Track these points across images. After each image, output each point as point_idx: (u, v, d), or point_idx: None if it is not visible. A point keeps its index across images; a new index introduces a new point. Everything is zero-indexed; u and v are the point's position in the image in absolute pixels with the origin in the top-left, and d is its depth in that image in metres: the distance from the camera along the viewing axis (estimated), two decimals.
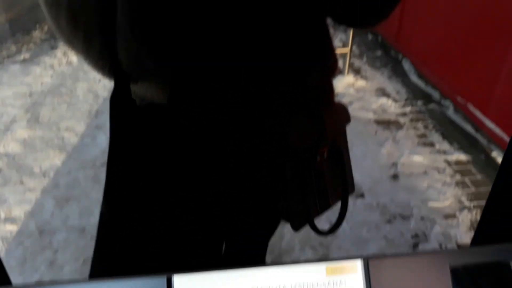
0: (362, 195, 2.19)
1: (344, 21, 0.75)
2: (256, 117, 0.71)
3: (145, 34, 0.60)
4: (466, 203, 2.12)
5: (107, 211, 0.74)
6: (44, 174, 2.29)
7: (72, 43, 0.66)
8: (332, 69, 0.80)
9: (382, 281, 0.52)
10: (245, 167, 0.76)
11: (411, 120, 2.83)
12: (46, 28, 4.70)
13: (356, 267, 0.52)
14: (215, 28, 0.63)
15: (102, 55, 0.64)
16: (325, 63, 0.77)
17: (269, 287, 0.59)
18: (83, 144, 2.70)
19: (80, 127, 2.88)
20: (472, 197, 2.16)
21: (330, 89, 0.82)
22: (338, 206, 0.88)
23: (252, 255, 1.10)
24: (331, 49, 0.78)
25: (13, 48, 4.11)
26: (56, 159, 2.47)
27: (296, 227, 0.81)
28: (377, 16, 0.71)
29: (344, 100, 3.00)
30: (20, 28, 4.55)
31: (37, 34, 4.46)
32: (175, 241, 0.77)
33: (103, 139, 2.74)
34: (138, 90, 0.69)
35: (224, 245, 0.97)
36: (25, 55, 3.94)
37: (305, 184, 0.78)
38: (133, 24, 0.59)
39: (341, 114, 0.85)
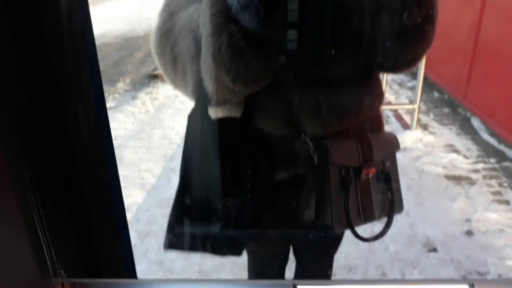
0: (434, 250, 2.15)
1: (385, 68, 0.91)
2: (309, 135, 0.87)
3: (225, 65, 0.76)
4: None
5: (181, 200, 0.98)
6: (127, 209, 2.49)
7: (174, 81, 0.89)
8: (380, 103, 0.96)
9: None
10: (299, 175, 0.92)
11: (484, 177, 2.77)
12: (128, 80, 5.19)
13: None
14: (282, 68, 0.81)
15: (193, 84, 0.84)
16: (376, 99, 0.94)
17: None
18: (159, 184, 2.90)
19: (157, 169, 3.10)
20: None
21: (379, 120, 0.98)
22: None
23: (319, 271, 1.20)
24: (380, 87, 0.95)
25: None
26: (137, 197, 2.67)
27: (338, 230, 0.94)
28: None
29: (413, 155, 3.01)
30: (106, 80, 5.06)
31: (121, 85, 4.93)
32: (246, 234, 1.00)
33: (177, 181, 2.92)
34: (214, 109, 0.89)
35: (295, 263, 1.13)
36: (111, 103, 4.37)
37: (347, 195, 0.90)
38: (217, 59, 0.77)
39: (390, 142, 0.95)
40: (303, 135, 0.86)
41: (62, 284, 0.51)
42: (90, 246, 0.59)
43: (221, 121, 0.88)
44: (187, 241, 0.99)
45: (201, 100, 0.87)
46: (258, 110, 0.87)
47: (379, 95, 0.94)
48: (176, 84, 0.90)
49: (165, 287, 0.53)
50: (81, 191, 0.58)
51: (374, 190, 0.94)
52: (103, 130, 0.60)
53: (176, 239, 0.99)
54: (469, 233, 2.25)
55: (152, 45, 0.87)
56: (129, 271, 0.65)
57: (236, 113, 0.87)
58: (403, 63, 0.84)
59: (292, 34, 0.78)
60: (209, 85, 0.78)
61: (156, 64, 0.90)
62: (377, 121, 0.98)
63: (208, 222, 0.97)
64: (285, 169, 0.91)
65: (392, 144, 0.97)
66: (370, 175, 0.92)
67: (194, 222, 0.99)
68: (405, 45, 0.79)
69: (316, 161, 0.88)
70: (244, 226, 0.94)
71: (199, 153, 0.94)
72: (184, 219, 1.00)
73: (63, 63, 0.59)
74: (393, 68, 0.88)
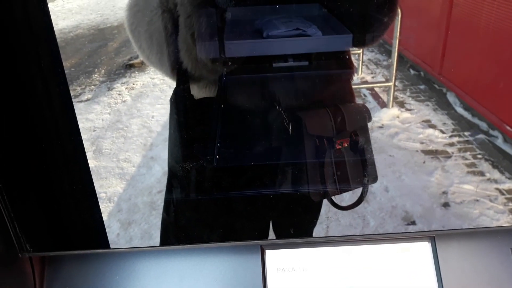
0: (413, 223, 2.20)
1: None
2: (283, 108, 0.89)
3: (205, 46, 0.79)
4: None
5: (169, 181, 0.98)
6: (109, 199, 2.47)
7: (149, 58, 0.89)
8: (351, 77, 0.99)
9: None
10: (275, 147, 0.95)
11: (459, 150, 2.83)
12: (103, 71, 5.10)
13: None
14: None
15: (170, 63, 0.85)
16: (347, 72, 0.98)
17: (349, 263, 0.67)
18: (140, 173, 2.88)
19: (137, 159, 3.08)
20: None
21: (350, 92, 1.01)
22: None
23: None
24: (350, 61, 0.98)
25: (78, 89, 4.49)
26: (118, 187, 2.65)
27: (315, 198, 0.96)
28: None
29: (390, 131, 3.06)
30: (82, 72, 4.97)
31: (96, 76, 4.85)
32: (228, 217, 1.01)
33: (158, 169, 2.91)
34: (195, 89, 0.92)
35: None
36: (88, 95, 4.29)
37: (322, 165, 0.92)
38: (197, 40, 0.78)
39: (362, 113, 0.98)
40: (277, 107, 0.87)
41: (30, 258, 0.51)
42: (57, 219, 0.59)
43: (198, 99, 0.90)
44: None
45: (180, 78, 0.89)
46: (232, 86, 0.88)
47: (349, 68, 0.98)
48: (151, 61, 0.91)
49: (136, 256, 0.54)
50: (44, 162, 0.58)
51: (349, 161, 0.96)
52: (63, 98, 0.59)
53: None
54: (445, 205, 2.31)
55: (126, 23, 0.88)
56: (101, 242, 0.65)
57: (213, 92, 0.90)
58: (367, 40, 0.89)
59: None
60: (188, 64, 0.80)
61: (130, 40, 0.90)
62: (349, 93, 1.01)
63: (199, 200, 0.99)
64: (261, 142, 0.92)
65: (364, 115, 0.99)
66: (344, 145, 0.94)
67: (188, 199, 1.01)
68: (369, 25, 0.85)
69: (290, 132, 0.89)
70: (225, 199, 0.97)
71: (183, 132, 0.95)
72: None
73: (23, 51, 0.58)
74: (359, 45, 0.92)
